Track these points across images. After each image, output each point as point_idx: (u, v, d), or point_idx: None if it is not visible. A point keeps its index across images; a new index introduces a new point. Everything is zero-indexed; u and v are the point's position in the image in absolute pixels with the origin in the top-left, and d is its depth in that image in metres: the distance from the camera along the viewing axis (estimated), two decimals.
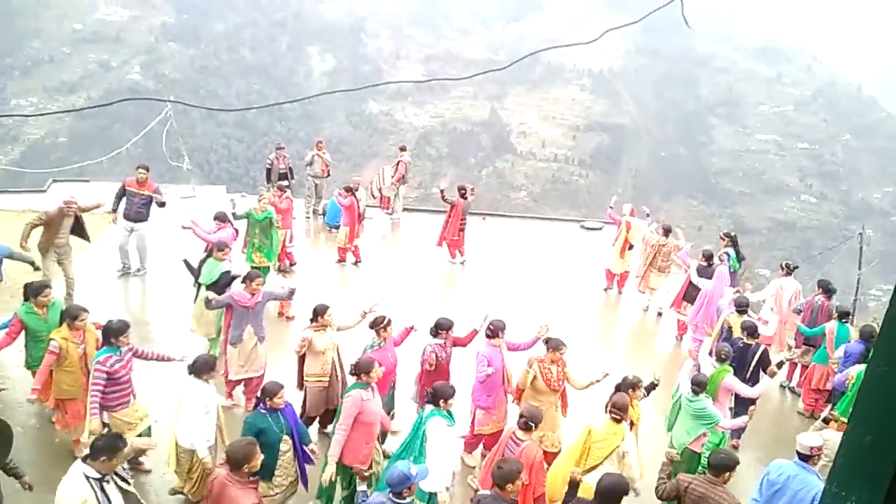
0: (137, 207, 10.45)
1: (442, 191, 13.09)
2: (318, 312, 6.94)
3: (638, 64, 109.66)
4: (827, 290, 9.38)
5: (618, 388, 6.46)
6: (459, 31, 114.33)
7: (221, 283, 7.97)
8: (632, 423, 6.28)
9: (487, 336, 6.90)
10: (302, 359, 7.02)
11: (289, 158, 14.10)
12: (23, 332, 6.77)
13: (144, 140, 19.71)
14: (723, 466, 5.16)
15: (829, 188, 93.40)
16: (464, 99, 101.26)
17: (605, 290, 12.41)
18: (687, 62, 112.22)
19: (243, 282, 7.47)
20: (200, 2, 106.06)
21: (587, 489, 5.41)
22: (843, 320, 8.62)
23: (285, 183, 13.72)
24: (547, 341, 6.85)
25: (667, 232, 11.26)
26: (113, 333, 6.07)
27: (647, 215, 12.31)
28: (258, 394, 5.89)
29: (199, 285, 8.28)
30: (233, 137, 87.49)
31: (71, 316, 6.30)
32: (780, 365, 8.27)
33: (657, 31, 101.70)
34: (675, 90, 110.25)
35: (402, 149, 15.17)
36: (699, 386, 6.54)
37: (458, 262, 12.84)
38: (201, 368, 5.88)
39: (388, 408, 7.05)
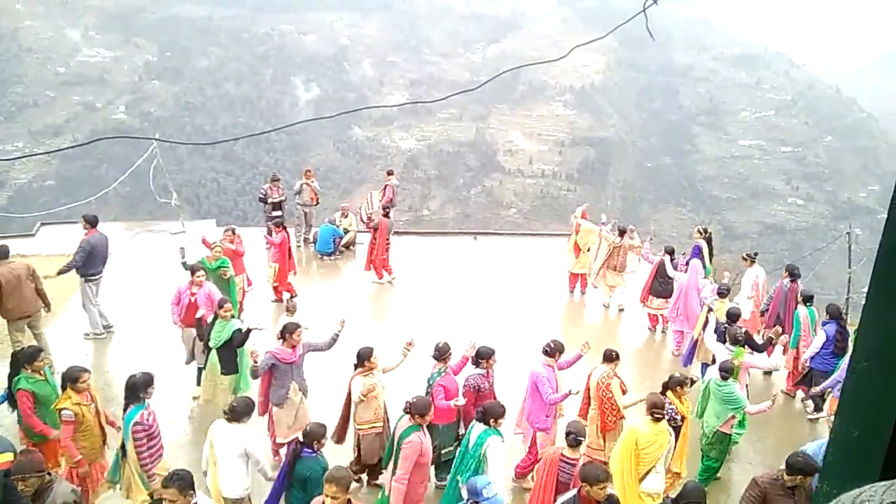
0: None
1: (369, 216, 13.08)
2: (364, 356, 6.55)
3: (619, 78, 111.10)
4: (793, 274, 9.78)
5: (665, 387, 6.64)
6: (441, 55, 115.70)
7: (235, 343, 7.49)
8: (683, 417, 6.52)
9: (546, 354, 6.79)
10: (347, 408, 6.62)
11: (284, 189, 14.00)
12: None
13: (132, 179, 19.73)
14: (797, 470, 5.23)
15: (815, 189, 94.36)
16: (449, 121, 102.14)
17: (571, 292, 12.66)
18: (667, 74, 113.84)
19: (281, 337, 6.94)
20: (182, 39, 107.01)
21: (638, 493, 5.77)
22: (809, 304, 8.97)
23: (279, 213, 13.66)
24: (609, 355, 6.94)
25: (622, 233, 11.68)
26: (142, 388, 5.82)
27: (603, 223, 12.61)
28: (300, 438, 5.60)
29: (209, 350, 7.64)
30: (221, 171, 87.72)
31: (71, 379, 5.95)
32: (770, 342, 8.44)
33: (636, 46, 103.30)
34: (658, 102, 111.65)
35: (390, 173, 15.23)
36: (728, 371, 6.79)
37: (386, 282, 12.69)
38: (242, 412, 5.59)
39: (453, 435, 6.78)
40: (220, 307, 7.54)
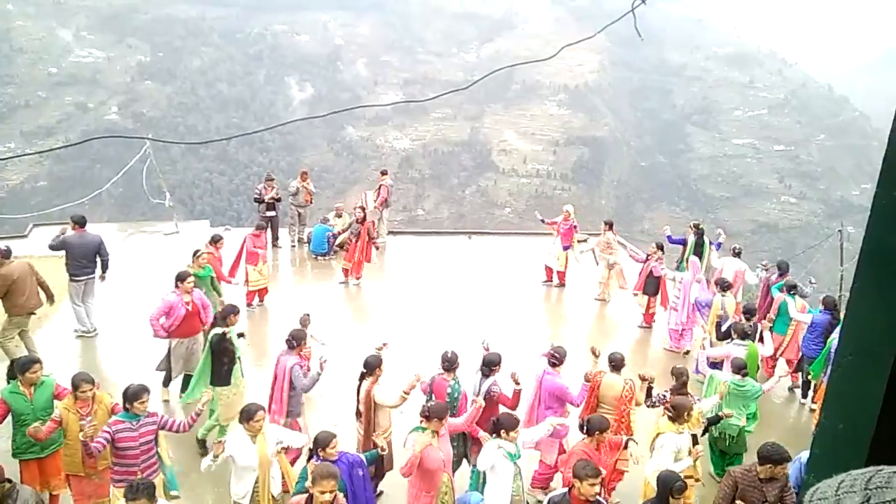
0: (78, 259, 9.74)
1: (364, 215, 12.63)
2: (374, 365, 6.44)
3: (612, 77, 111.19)
4: (779, 268, 10.48)
5: (674, 391, 6.67)
6: (435, 54, 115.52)
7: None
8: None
9: (552, 364, 6.76)
10: (369, 422, 6.42)
11: (278, 189, 14.01)
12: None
13: (125, 179, 19.64)
14: (767, 458, 5.26)
15: (808, 188, 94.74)
16: (443, 120, 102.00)
17: (545, 283, 12.86)
18: (661, 73, 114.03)
19: (294, 346, 6.89)
20: (175, 39, 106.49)
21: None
22: (791, 292, 9.31)
23: (273, 213, 13.70)
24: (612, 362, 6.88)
25: (610, 226, 11.94)
26: (127, 399, 5.59)
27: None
28: (310, 445, 5.50)
29: (234, 363, 7.37)
30: (214, 171, 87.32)
31: (73, 385, 5.89)
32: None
33: (629, 45, 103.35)
34: (651, 101, 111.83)
35: (384, 173, 15.23)
36: (743, 368, 6.88)
37: (353, 284, 12.52)
38: (241, 416, 5.58)
39: (462, 451, 6.63)
40: (235, 314, 7.44)
